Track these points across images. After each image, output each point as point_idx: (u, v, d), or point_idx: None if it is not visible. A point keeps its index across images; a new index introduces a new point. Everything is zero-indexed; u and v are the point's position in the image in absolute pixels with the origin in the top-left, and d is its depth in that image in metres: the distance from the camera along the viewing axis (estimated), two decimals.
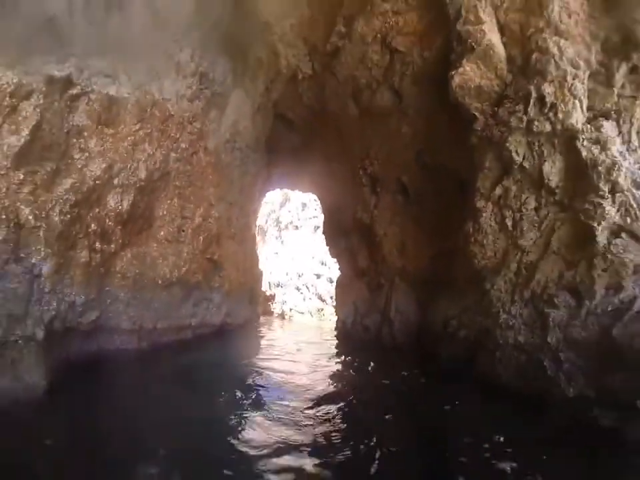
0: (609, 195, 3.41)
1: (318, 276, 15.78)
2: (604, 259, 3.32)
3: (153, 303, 5.19)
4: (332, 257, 9.61)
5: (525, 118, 3.93)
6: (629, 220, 3.36)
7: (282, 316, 15.32)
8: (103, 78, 4.42)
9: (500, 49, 4.34)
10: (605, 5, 4.01)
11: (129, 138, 4.74)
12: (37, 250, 3.30)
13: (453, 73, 4.48)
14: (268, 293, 15.73)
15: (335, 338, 8.62)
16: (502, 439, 2.89)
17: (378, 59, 5.90)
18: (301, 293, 15.63)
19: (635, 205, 3.37)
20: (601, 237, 3.37)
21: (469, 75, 4.39)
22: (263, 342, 8.36)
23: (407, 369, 5.15)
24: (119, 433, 2.78)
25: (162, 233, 5.57)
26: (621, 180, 3.39)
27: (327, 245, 9.29)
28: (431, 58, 5.33)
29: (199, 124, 6.29)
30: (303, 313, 15.14)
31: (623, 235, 3.34)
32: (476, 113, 4.47)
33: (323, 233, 9.40)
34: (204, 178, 6.60)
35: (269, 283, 15.96)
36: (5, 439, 2.46)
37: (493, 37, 4.37)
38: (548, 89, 3.81)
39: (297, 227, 17.55)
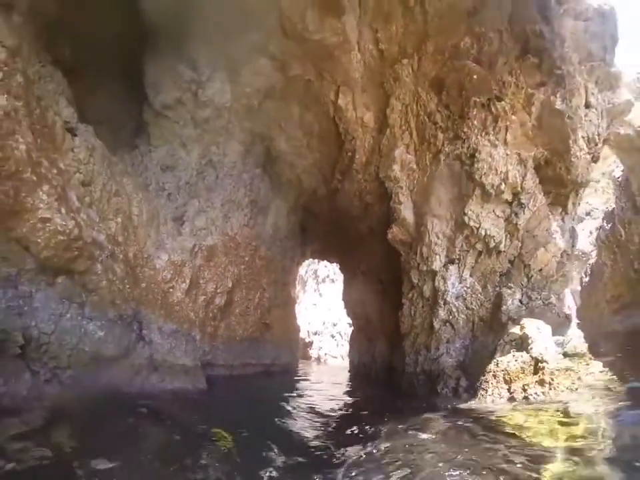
0: (443, 305, 8.36)
1: (350, 325, 20.88)
2: (435, 335, 8.28)
3: (234, 350, 10.57)
4: (348, 317, 14.86)
5: (415, 262, 9.01)
6: (450, 317, 8.29)
7: (318, 360, 20.56)
8: (203, 230, 9.99)
9: (411, 219, 9.46)
10: (455, 196, 8.97)
11: (221, 266, 10.25)
12: (195, 330, 8.78)
13: (388, 231, 9.66)
14: (307, 340, 21.08)
15: (349, 373, 13.91)
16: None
17: (358, 206, 11.27)
18: (335, 340, 20.84)
19: (454, 310, 8.29)
20: (436, 325, 8.34)
21: (395, 233, 9.57)
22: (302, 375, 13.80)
23: (377, 388, 10.32)
24: (239, 412, 8.00)
25: (237, 311, 11.02)
26: (448, 298, 8.36)
27: (345, 308, 14.61)
28: (385, 212, 10.54)
29: (255, 242, 11.82)
30: (335, 357, 20.26)
31: (447, 324, 8.28)
32: (402, 253, 9.59)
33: (342, 299, 14.75)
34: (259, 273, 12.08)
35: (308, 331, 21.35)
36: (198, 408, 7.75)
37: (407, 212, 9.50)
38: (424, 249, 8.87)
39: (332, 281, 22.89)
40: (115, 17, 9.35)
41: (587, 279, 16.95)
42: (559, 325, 8.10)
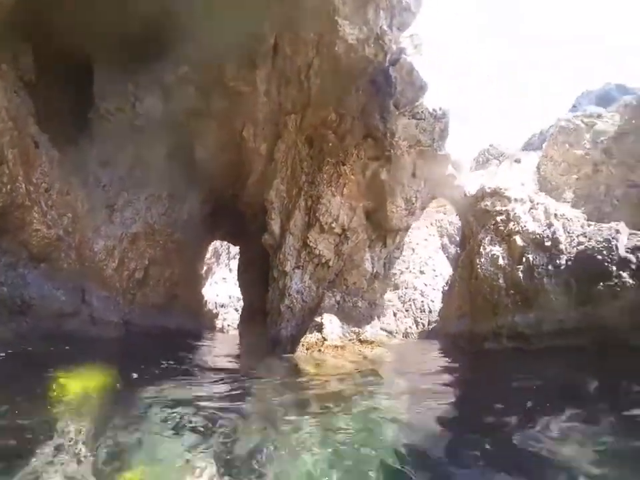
0: (288, 296, 14.07)
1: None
2: (281, 316, 14.04)
3: (146, 314, 15.78)
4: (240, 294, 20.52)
5: (276, 263, 14.58)
6: (291, 305, 14.11)
7: (222, 330, 26.17)
8: (129, 219, 15.06)
9: (277, 232, 15.07)
10: (306, 223, 14.53)
11: (141, 248, 15.41)
12: (120, 296, 13.89)
13: (263, 237, 15.14)
14: (214, 311, 26.55)
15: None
16: None
17: (250, 212, 16.72)
18: (238, 313, 26.42)
19: (294, 300, 14.09)
20: (282, 309, 14.14)
21: (267, 239, 15.17)
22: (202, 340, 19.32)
23: (251, 348, 16.03)
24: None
25: (151, 283, 16.21)
26: (291, 292, 14.12)
27: (239, 287, 20.16)
28: (265, 221, 15.91)
29: (170, 228, 16.91)
30: (236, 328, 25.92)
31: (289, 309, 14.06)
32: (270, 254, 15.12)
33: (237, 279, 20.24)
34: (171, 254, 17.23)
35: (216, 303, 26.85)
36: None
37: (276, 226, 15.02)
38: (281, 255, 14.41)
39: None
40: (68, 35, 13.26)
41: (446, 287, 23.36)
42: (361, 321, 14.02)
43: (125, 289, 14.52)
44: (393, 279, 28.11)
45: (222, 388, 8.75)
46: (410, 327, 26.02)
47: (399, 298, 27.21)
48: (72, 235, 12.48)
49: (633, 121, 12.77)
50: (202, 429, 5.75)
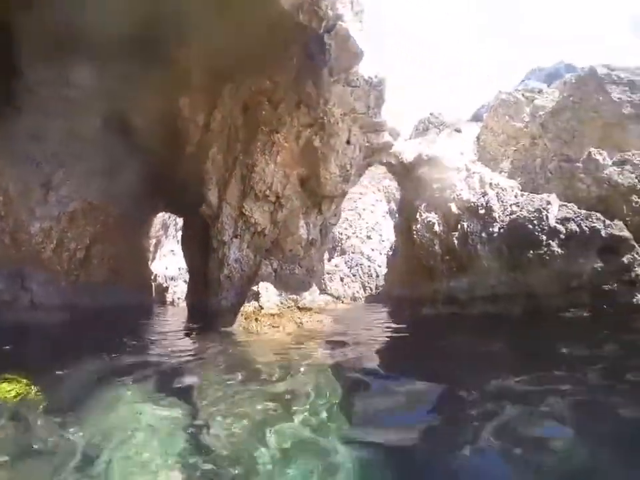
0: (227, 265, 14.49)
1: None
2: (221, 286, 14.52)
3: (91, 294, 15.65)
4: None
5: (215, 233, 14.81)
6: (230, 274, 14.52)
7: (172, 303, 26.13)
8: (66, 198, 14.71)
9: (215, 202, 15.18)
10: (241, 192, 14.61)
11: (81, 227, 15.23)
12: (61, 278, 13.70)
13: (201, 208, 15.15)
14: (164, 285, 26.41)
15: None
16: None
17: (190, 182, 16.50)
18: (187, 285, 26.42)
19: (233, 270, 14.41)
20: (222, 279, 14.55)
21: (204, 210, 15.42)
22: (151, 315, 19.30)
23: (196, 319, 16.30)
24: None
25: (94, 262, 16.04)
26: (230, 261, 14.45)
27: (184, 258, 20.15)
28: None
29: (109, 203, 16.63)
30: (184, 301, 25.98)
31: (228, 279, 14.46)
32: (210, 225, 15.17)
33: (182, 250, 20.20)
34: (113, 230, 17.02)
35: (165, 276, 26.68)
36: None
37: (213, 197, 15.18)
38: (219, 225, 14.61)
39: None
40: None
41: (390, 253, 24.13)
42: (300, 287, 14.38)
43: (67, 270, 14.35)
44: (339, 245, 28.74)
45: (168, 367, 8.76)
46: (357, 291, 26.81)
47: (345, 263, 27.85)
48: (5, 219, 12.22)
49: (571, 98, 13.37)
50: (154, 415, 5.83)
